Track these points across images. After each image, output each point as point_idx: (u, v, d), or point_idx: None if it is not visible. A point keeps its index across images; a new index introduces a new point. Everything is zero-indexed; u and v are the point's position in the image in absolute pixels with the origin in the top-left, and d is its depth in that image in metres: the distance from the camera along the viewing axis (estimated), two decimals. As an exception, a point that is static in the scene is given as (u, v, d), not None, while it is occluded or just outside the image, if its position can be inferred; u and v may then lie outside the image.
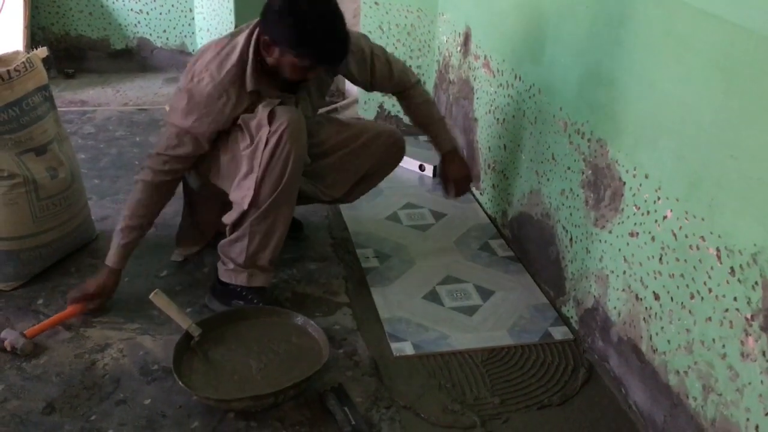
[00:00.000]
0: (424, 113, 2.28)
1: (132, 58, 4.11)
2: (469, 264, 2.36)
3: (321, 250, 2.40)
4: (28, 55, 2.03)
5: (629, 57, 1.69)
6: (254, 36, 1.86)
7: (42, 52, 2.10)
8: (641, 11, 1.64)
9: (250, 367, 1.78)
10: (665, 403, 1.61)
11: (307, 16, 1.75)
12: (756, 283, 1.31)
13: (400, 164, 3.00)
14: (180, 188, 2.12)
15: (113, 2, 3.98)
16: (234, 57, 1.86)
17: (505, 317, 2.09)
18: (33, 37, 3.78)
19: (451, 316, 2.09)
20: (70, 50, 4.01)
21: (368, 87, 2.20)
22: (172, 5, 4.03)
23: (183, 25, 4.09)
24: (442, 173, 2.32)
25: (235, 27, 3.80)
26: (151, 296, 1.84)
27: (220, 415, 1.69)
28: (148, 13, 4.03)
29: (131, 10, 4.01)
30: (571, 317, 2.04)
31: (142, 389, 1.76)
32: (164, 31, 4.09)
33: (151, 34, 4.09)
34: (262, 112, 1.84)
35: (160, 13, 4.04)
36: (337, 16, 1.79)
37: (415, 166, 2.98)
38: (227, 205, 1.97)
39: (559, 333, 2.03)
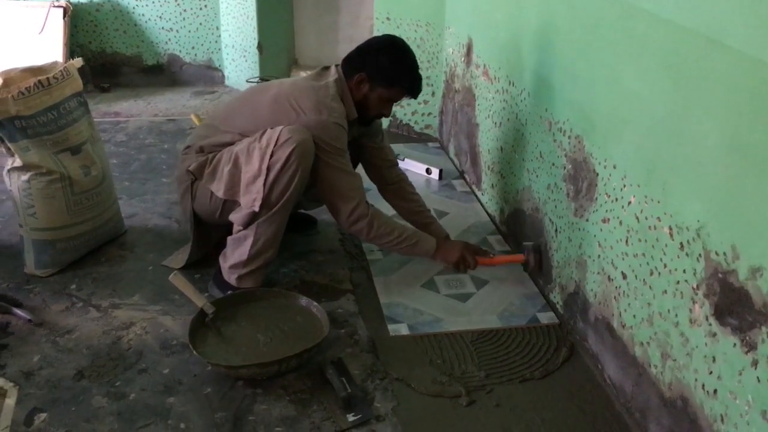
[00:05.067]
0: (418, 201, 2.48)
1: (163, 73, 4.39)
2: (467, 257, 2.52)
3: (330, 245, 2.59)
4: (65, 65, 2.27)
5: (599, 59, 1.86)
6: (341, 77, 2.19)
7: (77, 62, 2.33)
8: (608, 18, 1.81)
9: (257, 341, 1.97)
10: (633, 374, 1.76)
11: (405, 55, 2.19)
12: (700, 255, 1.46)
13: (409, 168, 3.21)
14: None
15: (146, 21, 4.26)
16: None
17: (496, 304, 2.25)
18: (72, 54, 4.07)
19: (446, 302, 2.26)
20: (106, 66, 4.31)
21: (372, 155, 2.46)
22: (200, 23, 4.30)
23: (210, 42, 4.36)
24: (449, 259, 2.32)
25: (258, 43, 4.07)
26: (170, 277, 2.05)
27: (231, 382, 1.88)
28: (177, 31, 4.31)
29: (162, 28, 4.29)
30: (557, 303, 2.20)
31: (162, 361, 1.96)
32: (193, 47, 4.36)
33: (180, 51, 4.36)
34: (274, 129, 2.05)
35: (189, 31, 4.31)
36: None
37: (422, 170, 3.16)
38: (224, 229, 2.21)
39: (546, 318, 2.19)
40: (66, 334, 2.06)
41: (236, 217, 2.13)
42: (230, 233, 2.19)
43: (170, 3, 4.23)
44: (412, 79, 2.20)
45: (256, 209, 2.06)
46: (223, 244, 2.21)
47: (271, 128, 2.06)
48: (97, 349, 2.00)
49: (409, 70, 2.19)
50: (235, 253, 2.15)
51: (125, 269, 2.39)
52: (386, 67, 2.16)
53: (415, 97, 2.27)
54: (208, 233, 2.37)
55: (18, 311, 2.10)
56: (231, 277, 2.17)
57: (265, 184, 2.03)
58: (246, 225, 2.11)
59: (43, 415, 1.75)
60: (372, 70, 2.16)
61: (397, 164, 2.52)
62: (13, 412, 1.75)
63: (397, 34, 3.44)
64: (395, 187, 2.48)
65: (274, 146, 2.01)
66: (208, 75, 4.42)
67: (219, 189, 2.14)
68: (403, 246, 2.23)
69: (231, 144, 2.16)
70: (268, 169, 2.02)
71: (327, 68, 2.25)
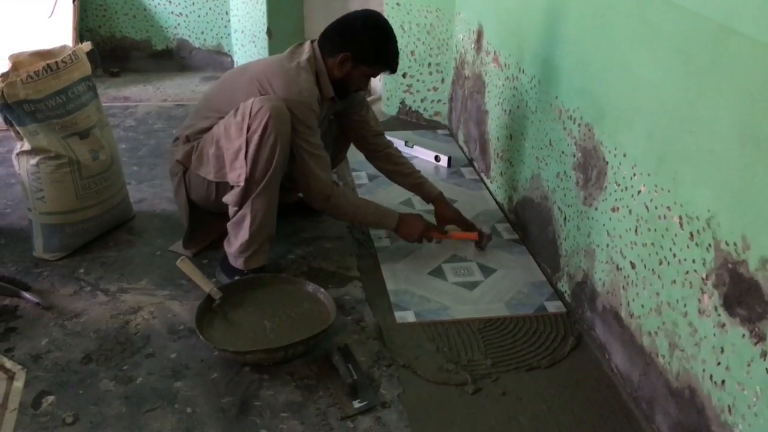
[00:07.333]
0: (406, 163, 2.57)
1: (172, 58, 4.39)
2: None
3: (338, 231, 2.59)
4: (74, 49, 2.27)
5: (609, 46, 1.84)
6: (317, 55, 2.19)
7: (86, 46, 2.33)
8: (619, 4, 1.78)
9: (264, 327, 1.97)
10: (640, 364, 1.75)
11: (388, 34, 2.20)
12: (709, 245, 1.44)
13: (417, 155, 3.19)
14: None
15: (155, 5, 4.25)
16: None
17: (504, 292, 2.24)
18: (81, 39, 4.06)
19: (453, 290, 2.25)
20: (116, 51, 4.30)
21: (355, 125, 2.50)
22: (210, 8, 4.28)
23: (219, 27, 4.34)
24: (443, 217, 2.50)
25: (267, 28, 4.04)
26: (178, 263, 2.05)
27: (237, 368, 1.88)
28: (187, 15, 4.29)
29: (172, 12, 4.28)
30: (565, 292, 2.19)
31: (169, 345, 1.97)
32: (202, 32, 4.34)
33: (189, 36, 4.35)
34: (246, 102, 2.05)
35: (199, 16, 4.30)
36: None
37: (431, 157, 3.15)
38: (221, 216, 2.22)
39: (553, 306, 2.18)
40: (74, 317, 2.06)
41: (229, 198, 2.13)
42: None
43: (180, -13, 4.22)
44: (395, 56, 2.24)
45: (242, 183, 2.06)
46: (227, 231, 2.21)
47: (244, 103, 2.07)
48: (105, 333, 2.01)
49: (393, 48, 2.22)
50: (238, 235, 2.15)
51: (133, 254, 2.40)
52: (370, 47, 2.17)
53: (394, 72, 2.32)
54: (210, 222, 2.37)
55: (26, 295, 2.11)
56: (238, 261, 2.17)
57: (247, 156, 2.04)
58: (239, 204, 2.11)
59: (51, 398, 1.76)
60: (355, 49, 2.15)
61: (383, 133, 2.56)
62: (21, 395, 1.77)
63: (406, 20, 3.46)
64: (382, 153, 2.55)
65: (249, 118, 2.02)
66: (217, 60, 4.41)
67: (208, 173, 2.17)
68: (366, 222, 2.37)
69: (212, 128, 2.18)
70: (248, 142, 2.03)
71: (301, 44, 2.24)
